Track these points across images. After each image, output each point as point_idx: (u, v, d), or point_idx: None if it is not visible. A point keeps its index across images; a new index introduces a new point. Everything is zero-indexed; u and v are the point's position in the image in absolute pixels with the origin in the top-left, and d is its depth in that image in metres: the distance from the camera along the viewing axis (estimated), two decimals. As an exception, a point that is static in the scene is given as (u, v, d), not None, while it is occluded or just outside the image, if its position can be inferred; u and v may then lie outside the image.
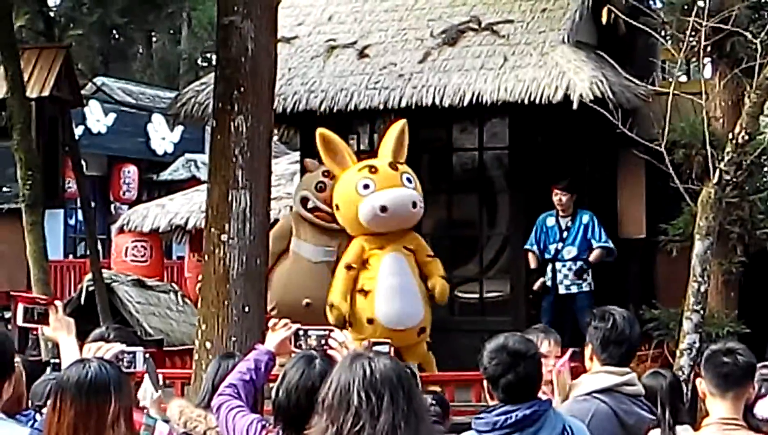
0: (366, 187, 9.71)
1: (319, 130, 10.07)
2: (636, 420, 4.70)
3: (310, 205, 10.81)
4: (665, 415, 5.14)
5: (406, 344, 9.68)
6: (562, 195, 11.09)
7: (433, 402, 4.68)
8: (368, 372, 3.02)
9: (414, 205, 9.74)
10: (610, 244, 11.11)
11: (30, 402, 5.04)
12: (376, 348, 4.68)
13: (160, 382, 4.65)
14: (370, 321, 9.68)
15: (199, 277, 8.38)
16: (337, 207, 10.09)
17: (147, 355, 4.27)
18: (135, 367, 4.13)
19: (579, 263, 11.08)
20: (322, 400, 3.05)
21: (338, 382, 3.03)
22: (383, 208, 9.62)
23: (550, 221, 11.17)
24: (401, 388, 3.02)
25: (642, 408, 4.75)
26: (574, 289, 11.07)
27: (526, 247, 11.19)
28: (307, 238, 10.86)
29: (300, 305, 10.33)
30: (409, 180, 9.83)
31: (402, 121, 10.06)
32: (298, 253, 10.80)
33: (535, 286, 11.16)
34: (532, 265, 11.16)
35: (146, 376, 4.23)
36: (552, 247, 11.12)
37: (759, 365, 4.47)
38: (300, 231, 10.89)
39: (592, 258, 11.04)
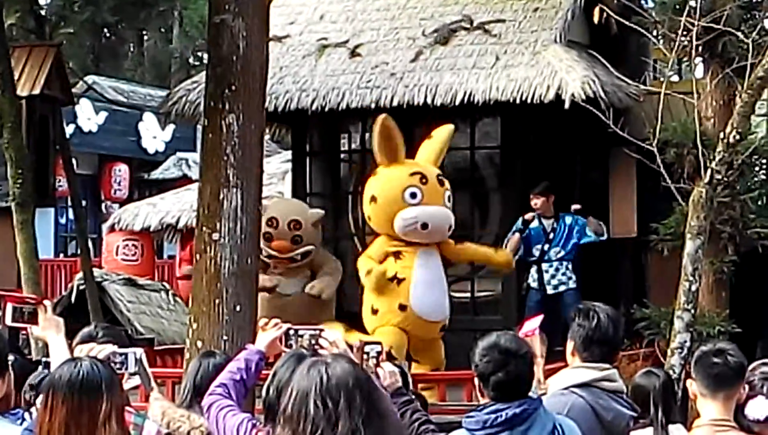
0: (413, 196, 9.73)
1: (382, 117, 9.78)
2: (614, 416, 4.66)
3: (263, 254, 10.03)
4: (658, 415, 5.15)
5: (431, 337, 9.86)
6: (536, 198, 11.12)
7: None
8: (324, 378, 2.98)
9: (450, 227, 9.89)
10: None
11: (22, 398, 5.00)
12: (368, 348, 4.67)
13: (152, 383, 4.61)
14: (403, 307, 9.72)
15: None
16: (374, 199, 9.95)
17: (139, 356, 4.25)
18: (127, 368, 4.11)
19: (565, 263, 11.11)
20: (283, 410, 3.02)
21: (296, 390, 3.00)
22: (425, 226, 9.73)
23: (533, 223, 11.14)
24: (358, 391, 2.98)
25: (621, 404, 4.72)
26: (562, 288, 11.11)
27: (513, 230, 11.03)
28: (282, 273, 10.74)
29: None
30: (449, 199, 9.95)
31: (450, 127, 10.12)
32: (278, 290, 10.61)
33: (515, 240, 11.03)
34: (513, 245, 10.95)
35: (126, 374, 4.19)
36: (536, 249, 11.14)
37: (758, 363, 4.44)
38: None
39: (590, 228, 11.03)
